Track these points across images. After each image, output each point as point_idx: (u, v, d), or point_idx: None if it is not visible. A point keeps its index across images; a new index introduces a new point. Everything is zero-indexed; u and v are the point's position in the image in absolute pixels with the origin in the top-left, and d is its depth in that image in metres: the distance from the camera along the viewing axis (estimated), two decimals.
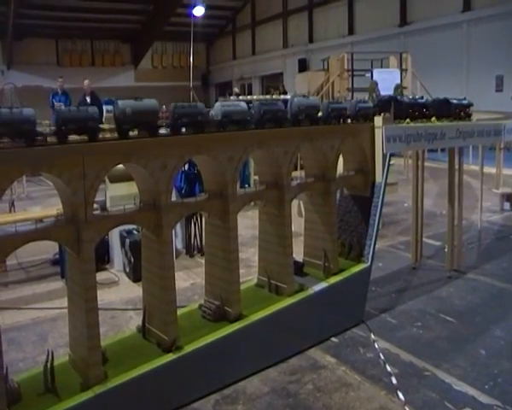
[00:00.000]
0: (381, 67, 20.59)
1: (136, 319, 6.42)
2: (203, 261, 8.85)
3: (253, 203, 8.45)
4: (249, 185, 11.97)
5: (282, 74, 33.06)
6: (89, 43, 32.31)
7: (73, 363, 4.73)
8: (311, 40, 31.92)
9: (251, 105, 5.99)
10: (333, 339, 6.12)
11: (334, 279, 6.38)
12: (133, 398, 4.54)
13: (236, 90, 24.53)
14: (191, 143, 5.21)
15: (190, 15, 22.24)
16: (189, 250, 9.30)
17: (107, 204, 7.85)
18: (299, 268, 6.47)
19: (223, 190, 5.51)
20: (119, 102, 4.76)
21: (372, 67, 20.09)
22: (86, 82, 16.52)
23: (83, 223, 4.51)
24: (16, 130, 4.14)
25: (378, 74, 18.59)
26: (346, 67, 20.23)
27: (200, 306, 5.69)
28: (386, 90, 13.32)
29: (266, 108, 5.74)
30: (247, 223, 9.51)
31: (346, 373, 5.40)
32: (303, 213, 9.33)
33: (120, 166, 4.93)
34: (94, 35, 31.89)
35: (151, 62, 34.53)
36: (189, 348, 4.89)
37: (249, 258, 8.38)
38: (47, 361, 4.46)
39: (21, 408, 4.16)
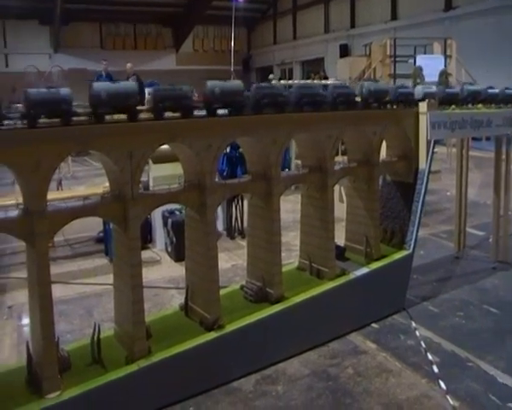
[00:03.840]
0: (425, 53, 20.07)
1: (178, 298, 6.55)
2: (244, 243, 9.02)
3: (293, 188, 8.46)
4: (289, 169, 11.95)
5: (323, 60, 32.67)
6: (131, 27, 32.66)
7: (119, 337, 4.86)
8: (352, 25, 31.38)
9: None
10: (373, 325, 6.08)
11: (375, 265, 6.33)
12: (175, 374, 4.62)
13: (272, 76, 24.34)
14: (236, 124, 5.22)
15: None
16: (230, 232, 9.38)
17: (150, 184, 7.98)
18: (340, 253, 6.44)
19: (266, 172, 5.52)
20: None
21: (415, 53, 19.60)
22: (129, 65, 16.75)
23: (129, 200, 4.59)
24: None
25: (421, 60, 18.10)
26: (388, 53, 19.82)
27: (242, 286, 5.75)
28: (430, 76, 13.01)
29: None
30: (288, 207, 9.50)
31: (387, 359, 5.36)
32: (344, 198, 9.28)
33: (164, 146, 4.99)
34: (137, 19, 32.23)
35: (192, 46, 34.67)
36: (230, 328, 4.95)
37: (289, 242, 8.38)
38: (94, 334, 4.60)
39: (71, 376, 4.30)
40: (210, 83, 4.93)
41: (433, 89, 7.20)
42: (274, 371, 5.09)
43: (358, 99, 6.22)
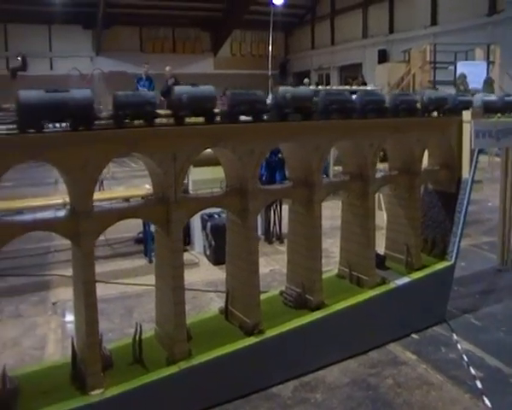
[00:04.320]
0: (466, 59, 19.67)
1: (216, 301, 6.59)
2: (282, 248, 9.02)
3: (332, 194, 8.40)
4: (327, 176, 11.86)
5: (360, 65, 32.38)
6: (170, 31, 33.07)
7: (159, 338, 4.91)
8: (391, 31, 30.97)
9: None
10: (413, 336, 5.97)
11: (416, 275, 6.23)
12: (215, 377, 4.64)
13: (306, 80, 24.28)
14: (279, 130, 5.22)
15: (270, 4, 22.22)
16: (268, 237, 9.38)
17: (190, 187, 8.05)
18: (380, 261, 6.36)
19: (308, 178, 5.50)
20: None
21: (456, 59, 19.23)
22: (168, 68, 16.96)
23: (173, 203, 4.64)
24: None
25: (462, 67, 17.74)
26: (428, 59, 19.51)
27: (282, 292, 5.73)
28: (472, 83, 12.74)
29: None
30: (327, 213, 9.32)
31: (428, 372, 5.26)
32: (382, 206, 9.17)
33: (207, 150, 5.02)
34: (176, 22, 32.61)
35: (230, 50, 34.87)
36: (270, 333, 4.94)
37: (328, 248, 8.29)
38: (135, 334, 4.66)
39: (113, 374, 4.37)
40: (282, 88, 5.06)
41: (493, 97, 7.08)
42: (313, 379, 5.05)
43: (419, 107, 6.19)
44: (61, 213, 4.43)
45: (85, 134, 4.21)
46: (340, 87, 20.37)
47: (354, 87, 19.09)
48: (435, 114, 6.41)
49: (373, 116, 5.74)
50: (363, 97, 5.71)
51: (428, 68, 19.52)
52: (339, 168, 10.21)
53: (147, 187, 9.32)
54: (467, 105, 6.58)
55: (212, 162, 6.31)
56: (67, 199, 4.60)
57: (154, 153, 4.58)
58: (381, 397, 4.80)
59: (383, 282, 5.99)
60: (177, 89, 4.66)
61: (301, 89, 5.25)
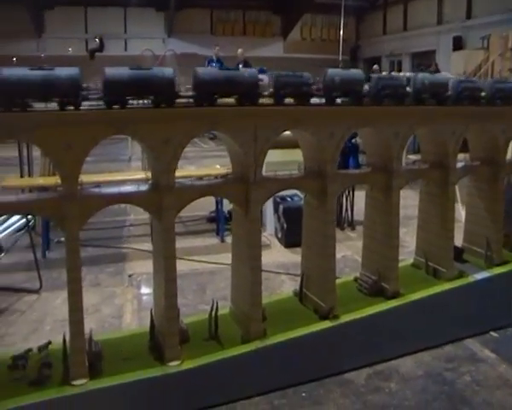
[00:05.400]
0: None
1: (288, 284, 6.59)
2: (353, 235, 8.93)
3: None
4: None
5: (434, 52, 31.22)
6: (241, 14, 33.10)
7: (234, 316, 4.97)
8: (468, 16, 29.58)
9: None
10: (492, 333, 5.72)
11: (497, 270, 5.97)
12: (289, 359, 4.65)
13: (376, 66, 23.66)
14: (358, 114, 5.11)
15: None
16: (340, 223, 9.25)
17: (263, 169, 8.05)
18: (458, 254, 6.14)
19: (387, 164, 5.37)
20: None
21: None
22: (240, 51, 17.01)
23: (252, 183, 4.65)
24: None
25: None
26: (510, 46, 18.53)
27: (356, 278, 5.66)
28: None
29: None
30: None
31: (508, 372, 5.03)
32: (458, 197, 8.84)
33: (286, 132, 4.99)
34: (247, 5, 32.59)
35: (300, 34, 34.47)
36: (345, 319, 4.89)
37: (401, 237, 8.06)
38: (211, 310, 4.72)
39: (190, 348, 4.46)
40: (330, 71, 4.88)
41: None
42: (386, 368, 4.96)
43: None
44: (144, 188, 4.55)
45: (168, 111, 4.29)
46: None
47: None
48: None
49: (465, 104, 5.49)
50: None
51: (510, 55, 18.55)
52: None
53: (217, 167, 9.46)
54: None
55: (283, 145, 6.27)
56: (149, 175, 4.72)
57: (236, 132, 4.60)
58: (457, 393, 4.64)
59: (461, 275, 5.79)
60: (330, 71, 4.82)
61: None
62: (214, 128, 4.76)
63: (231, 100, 4.60)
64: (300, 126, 4.90)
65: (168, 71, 4.28)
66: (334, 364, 4.86)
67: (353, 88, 4.97)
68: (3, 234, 6.54)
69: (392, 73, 15.29)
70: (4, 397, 3.82)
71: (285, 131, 4.94)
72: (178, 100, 4.36)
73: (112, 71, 4.07)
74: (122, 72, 4.09)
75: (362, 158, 10.10)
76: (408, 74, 6.79)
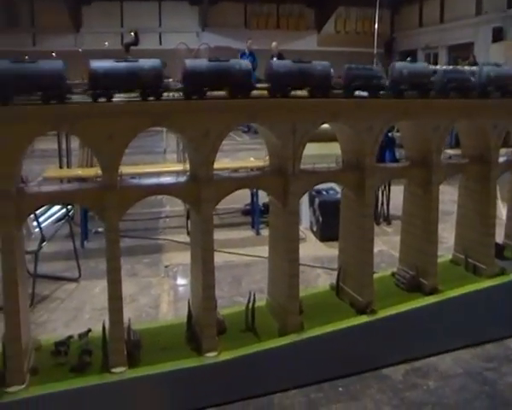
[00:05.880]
0: None
1: (323, 277, 6.56)
2: (389, 230, 8.83)
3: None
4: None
5: (472, 44, 30.47)
6: (275, 7, 32.98)
7: (271, 308, 4.97)
8: (509, 6, 28.72)
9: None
10: None
11: None
12: (325, 352, 4.63)
13: (409, 59, 23.21)
14: (398, 107, 5.01)
15: None
16: (376, 218, 9.14)
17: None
18: (499, 251, 5.98)
19: (426, 158, 5.27)
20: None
21: None
22: (274, 44, 16.99)
23: (291, 176, 4.62)
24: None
25: None
26: None
27: (393, 273, 5.59)
28: None
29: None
30: None
31: None
32: (498, 194, 8.62)
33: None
34: None
35: (334, 27, 34.14)
36: (383, 313, 4.83)
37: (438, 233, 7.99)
38: (248, 302, 4.74)
39: (227, 339, 4.49)
40: (398, 64, 4.93)
41: None
42: (424, 365, 4.88)
43: None
44: (183, 179, 4.59)
45: (208, 103, 4.31)
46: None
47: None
48: None
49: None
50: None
51: None
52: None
53: (252, 160, 9.48)
54: None
55: (318, 138, 6.22)
56: (187, 167, 4.75)
57: (274, 124, 4.59)
58: (499, 394, 4.53)
59: (502, 272, 5.64)
60: (398, 64, 4.88)
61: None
62: (252, 120, 4.77)
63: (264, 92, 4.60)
64: (340, 119, 4.85)
65: (244, 63, 4.44)
66: (370, 359, 4.81)
67: (421, 81, 4.96)
68: (45, 224, 6.68)
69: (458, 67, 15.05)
70: (49, 381, 3.93)
71: (323, 124, 4.90)
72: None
73: (192, 63, 4.24)
74: (201, 63, 4.26)
75: (398, 152, 9.97)
76: (473, 68, 6.65)
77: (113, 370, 4.07)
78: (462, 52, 30.21)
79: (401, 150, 10.24)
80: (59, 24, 27.10)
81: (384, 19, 34.42)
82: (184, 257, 6.52)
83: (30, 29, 27.95)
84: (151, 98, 4.12)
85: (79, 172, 8.25)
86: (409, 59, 22.48)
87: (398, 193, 5.89)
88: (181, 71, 4.24)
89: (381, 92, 4.91)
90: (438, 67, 5.29)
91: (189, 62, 4.21)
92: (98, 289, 6.24)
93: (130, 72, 3.96)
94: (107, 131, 4.01)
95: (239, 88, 4.34)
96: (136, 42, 24.35)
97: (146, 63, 4.02)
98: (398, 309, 4.91)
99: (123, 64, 3.96)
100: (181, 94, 4.25)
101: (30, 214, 5.06)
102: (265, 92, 4.58)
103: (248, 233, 8.53)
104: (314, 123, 4.75)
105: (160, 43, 28.78)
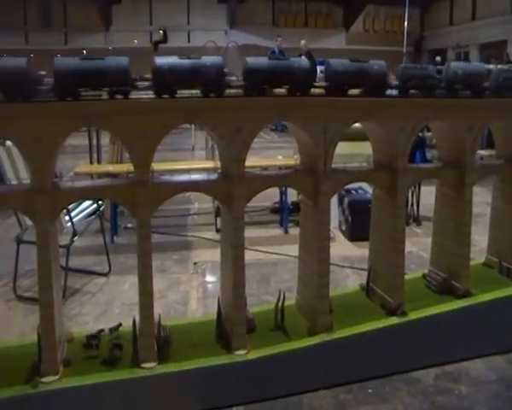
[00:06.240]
0: None
1: (352, 278, 6.51)
2: (419, 231, 8.71)
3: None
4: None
5: (505, 42, 29.84)
6: (303, 5, 32.87)
7: (300, 307, 4.95)
8: None
9: None
10: None
11: None
12: (355, 353, 4.59)
13: (438, 58, 22.85)
14: (431, 106, 4.93)
15: None
16: (406, 219, 9.04)
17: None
18: None
19: (459, 159, 5.17)
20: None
21: None
22: (303, 42, 16.90)
23: (322, 175, 4.59)
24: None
25: None
26: None
27: (424, 275, 5.51)
28: None
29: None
30: None
31: None
32: None
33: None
34: None
35: (363, 26, 33.87)
36: (413, 316, 4.77)
37: None
38: (278, 301, 4.72)
39: (257, 338, 4.48)
40: (454, 64, 4.90)
41: None
42: (456, 369, 4.80)
43: None
44: (214, 177, 4.59)
45: (240, 100, 4.29)
46: None
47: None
48: None
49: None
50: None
51: None
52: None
53: (280, 158, 9.45)
54: None
55: (349, 138, 6.16)
56: (218, 164, 4.76)
57: (306, 123, 4.56)
58: None
59: None
60: (454, 64, 4.85)
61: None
62: (283, 118, 4.74)
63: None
64: (373, 118, 4.79)
65: (304, 62, 4.47)
66: (400, 361, 4.75)
67: (475, 81, 4.91)
68: (77, 219, 6.78)
69: None
70: (81, 373, 3.99)
71: (356, 122, 4.85)
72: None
73: (252, 60, 4.26)
74: (262, 61, 4.28)
75: (429, 153, 9.84)
76: None
77: (144, 365, 4.10)
78: (494, 50, 29.61)
79: (432, 151, 10.13)
80: (89, 23, 27.55)
81: (414, 17, 33.98)
82: (213, 254, 6.57)
83: (62, 29, 28.49)
84: (212, 95, 4.15)
85: (110, 168, 8.35)
86: (438, 58, 22.19)
87: (427, 194, 5.79)
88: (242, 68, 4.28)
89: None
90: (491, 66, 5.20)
91: (251, 60, 4.22)
92: (127, 285, 6.30)
93: (194, 68, 3.99)
94: (140, 128, 4.04)
95: (299, 86, 4.36)
96: (164, 40, 24.60)
97: (208, 60, 4.05)
98: (429, 312, 4.84)
99: (187, 61, 4.00)
100: (241, 91, 4.27)
101: (63, 209, 5.14)
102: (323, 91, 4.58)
103: (276, 231, 8.52)
104: (346, 122, 4.70)
105: (189, 41, 28.95)
